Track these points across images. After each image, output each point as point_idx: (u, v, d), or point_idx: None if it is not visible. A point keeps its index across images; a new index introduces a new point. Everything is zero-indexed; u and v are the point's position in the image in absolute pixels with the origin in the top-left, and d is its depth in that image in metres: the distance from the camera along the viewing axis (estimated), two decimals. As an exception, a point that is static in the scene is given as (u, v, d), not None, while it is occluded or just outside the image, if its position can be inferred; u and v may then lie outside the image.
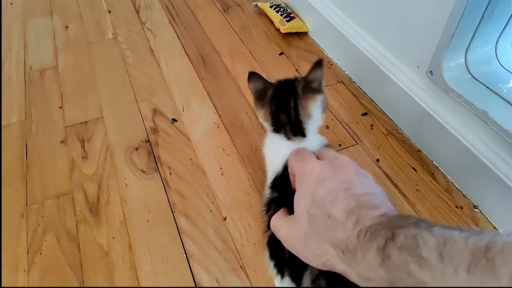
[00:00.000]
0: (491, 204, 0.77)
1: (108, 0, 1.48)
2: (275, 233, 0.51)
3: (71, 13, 1.42)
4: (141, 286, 0.70)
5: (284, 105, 0.64)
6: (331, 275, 0.44)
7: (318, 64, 0.63)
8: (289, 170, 0.55)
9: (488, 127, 0.72)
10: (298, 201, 0.45)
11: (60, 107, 1.05)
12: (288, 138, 0.63)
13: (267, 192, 0.65)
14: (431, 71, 0.81)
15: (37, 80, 1.14)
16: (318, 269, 0.46)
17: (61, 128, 0.99)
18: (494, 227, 0.76)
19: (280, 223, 0.49)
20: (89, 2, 1.47)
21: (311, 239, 0.41)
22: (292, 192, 0.50)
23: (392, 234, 0.32)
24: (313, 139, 0.64)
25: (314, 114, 0.64)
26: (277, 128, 0.65)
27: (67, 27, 1.35)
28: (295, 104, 0.63)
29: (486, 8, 0.71)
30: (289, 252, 0.49)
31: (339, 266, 0.38)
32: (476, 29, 0.75)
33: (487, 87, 0.77)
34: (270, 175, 0.65)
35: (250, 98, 1.05)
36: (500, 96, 0.74)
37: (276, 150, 0.65)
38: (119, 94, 1.08)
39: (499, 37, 0.79)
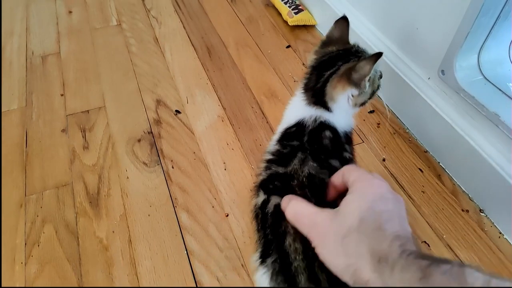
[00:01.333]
0: (497, 209, 0.76)
1: (113, -14, 1.44)
2: (295, 214, 0.46)
3: (75, -3, 1.39)
4: (140, 283, 0.69)
5: (322, 70, 0.60)
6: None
7: (376, 56, 0.55)
8: (337, 180, 0.49)
9: (499, 130, 0.70)
10: (353, 201, 0.44)
11: (62, 95, 1.03)
12: (308, 103, 0.60)
13: (271, 144, 0.60)
14: (442, 71, 0.79)
15: (39, 66, 1.12)
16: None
17: (62, 117, 0.97)
18: (500, 232, 0.75)
19: (315, 210, 0.45)
20: (93, -13, 1.44)
21: (352, 237, 0.40)
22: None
23: (436, 261, 0.33)
24: (339, 118, 0.60)
25: (339, 100, 0.59)
26: (306, 87, 0.62)
27: (70, 11, 1.33)
28: (328, 77, 0.59)
29: (503, 7, 0.68)
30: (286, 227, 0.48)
31: (366, 274, 0.37)
32: (492, 29, 0.72)
33: (500, 89, 0.74)
34: (281, 129, 0.61)
35: (256, 91, 1.03)
36: (513, 99, 0.72)
37: (295, 109, 0.62)
38: (122, 83, 1.06)
39: (514, 37, 0.76)
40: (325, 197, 0.51)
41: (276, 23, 1.26)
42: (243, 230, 0.75)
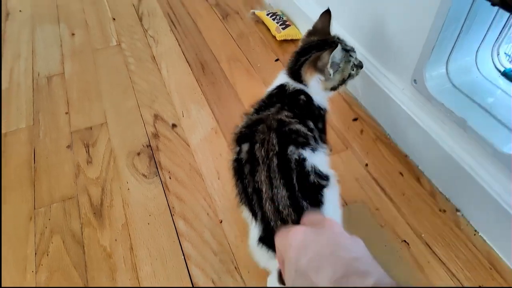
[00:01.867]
0: (472, 208, 0.81)
1: (113, 8, 1.53)
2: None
3: (77, 20, 1.47)
4: (142, 286, 0.75)
5: (301, 56, 0.73)
6: None
7: (332, 48, 0.67)
8: (278, 258, 0.45)
9: (467, 135, 0.76)
10: (285, 278, 0.40)
11: (66, 113, 1.10)
12: (289, 78, 0.73)
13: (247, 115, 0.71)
14: (415, 80, 0.85)
15: (45, 86, 1.20)
16: None
17: (67, 134, 1.04)
18: (475, 230, 0.80)
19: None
20: (94, 9, 1.52)
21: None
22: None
23: None
24: (315, 93, 0.72)
25: (310, 83, 0.72)
26: (288, 68, 0.75)
27: (73, 34, 1.41)
28: (302, 63, 0.72)
29: (464, 22, 0.75)
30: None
31: None
32: (456, 42, 0.78)
33: (467, 96, 0.80)
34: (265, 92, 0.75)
35: (247, 104, 1.10)
36: (479, 105, 0.78)
37: (280, 78, 0.75)
38: (122, 100, 1.14)
39: (478, 48, 0.83)
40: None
41: (265, 38, 1.33)
42: (236, 235, 0.81)
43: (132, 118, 1.08)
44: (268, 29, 1.35)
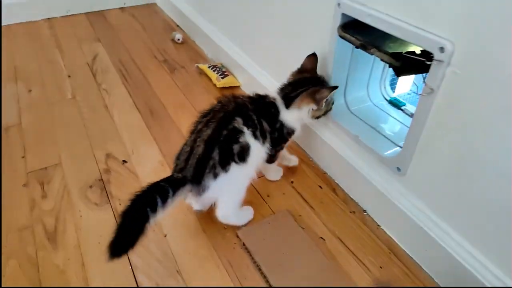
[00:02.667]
0: (373, 207, 0.99)
1: (68, 67, 1.68)
2: None
3: (34, 79, 1.60)
4: (92, 294, 0.83)
5: (298, 87, 0.95)
6: None
7: (333, 87, 0.92)
8: None
9: (361, 148, 0.97)
10: None
11: (23, 157, 1.20)
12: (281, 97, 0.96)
13: None
14: (323, 110, 1.06)
15: (3, 135, 1.29)
16: None
17: (24, 174, 1.14)
18: (378, 225, 0.98)
19: None
20: (50, 68, 1.67)
21: None
22: None
23: None
24: (288, 117, 0.95)
25: (303, 109, 0.94)
26: (281, 91, 0.97)
27: (30, 90, 1.53)
28: (299, 93, 0.94)
29: (350, 65, 0.98)
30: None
31: None
32: (347, 80, 1.02)
33: (361, 119, 1.02)
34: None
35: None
36: (369, 125, 1.00)
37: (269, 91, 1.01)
38: (76, 143, 1.26)
39: (368, 83, 1.07)
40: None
41: (208, 87, 1.54)
42: (178, 246, 0.93)
43: (85, 158, 1.20)
44: (210, 79, 1.57)
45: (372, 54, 0.79)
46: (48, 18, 2.10)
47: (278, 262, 0.89)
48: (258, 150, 0.89)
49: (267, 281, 0.85)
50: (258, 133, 0.89)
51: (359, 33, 0.83)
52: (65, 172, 1.15)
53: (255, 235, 0.95)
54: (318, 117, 0.97)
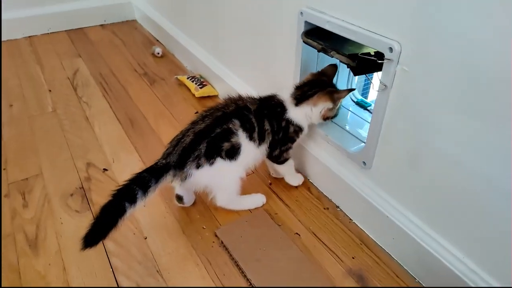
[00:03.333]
0: (346, 202, 1.04)
1: (49, 81, 1.71)
2: None
3: (15, 94, 1.62)
4: (73, 296, 0.85)
5: (316, 86, 0.98)
6: None
7: (350, 89, 1.02)
8: None
9: (331, 147, 1.02)
10: None
11: (4, 169, 1.22)
12: (291, 95, 1.00)
13: None
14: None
15: (-18, 150, 1.31)
16: None
17: (5, 185, 1.15)
18: (350, 219, 1.03)
19: None
20: (31, 84, 1.70)
21: None
22: None
23: None
24: (296, 114, 0.99)
25: (318, 107, 0.98)
26: (298, 88, 1.00)
27: (11, 105, 1.55)
28: (317, 91, 0.97)
29: (316, 68, 1.05)
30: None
31: None
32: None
33: (335, 124, 1.08)
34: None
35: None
36: (338, 125, 1.05)
37: (281, 91, 1.04)
38: (57, 154, 1.28)
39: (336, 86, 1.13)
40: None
41: (186, 96, 1.59)
42: (158, 247, 0.96)
43: (66, 168, 1.22)
44: (189, 90, 1.62)
45: (332, 57, 0.86)
46: (29, 36, 2.14)
47: (255, 258, 0.92)
48: (251, 151, 0.96)
49: (245, 276, 0.89)
50: (255, 135, 0.95)
51: (321, 38, 0.89)
52: (46, 182, 1.17)
53: (233, 233, 0.99)
54: (326, 119, 1.01)
